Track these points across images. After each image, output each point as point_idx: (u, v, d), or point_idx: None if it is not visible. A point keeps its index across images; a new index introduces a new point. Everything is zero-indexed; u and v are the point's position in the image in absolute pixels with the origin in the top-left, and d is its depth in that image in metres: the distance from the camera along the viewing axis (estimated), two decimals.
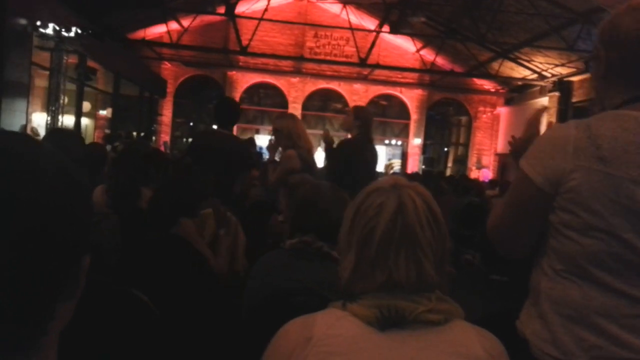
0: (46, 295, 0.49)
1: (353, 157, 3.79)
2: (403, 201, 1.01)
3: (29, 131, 8.07)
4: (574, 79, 12.64)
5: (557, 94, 13.11)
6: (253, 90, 16.62)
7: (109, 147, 8.44)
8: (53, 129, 6.23)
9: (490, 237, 1.35)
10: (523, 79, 14.27)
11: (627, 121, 1.17)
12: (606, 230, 1.14)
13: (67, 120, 9.94)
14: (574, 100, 12.71)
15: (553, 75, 13.17)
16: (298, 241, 1.61)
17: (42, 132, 8.84)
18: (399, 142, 17.29)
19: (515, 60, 13.43)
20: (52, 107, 8.48)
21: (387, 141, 17.46)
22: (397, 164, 16.95)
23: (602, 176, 1.15)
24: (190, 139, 12.68)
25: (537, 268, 1.27)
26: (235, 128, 15.96)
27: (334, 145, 3.99)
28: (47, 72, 8.64)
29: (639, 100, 1.21)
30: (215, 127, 3.88)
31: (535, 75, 13.73)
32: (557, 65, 12.63)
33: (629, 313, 1.14)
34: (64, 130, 3.74)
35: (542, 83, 13.73)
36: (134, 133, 11.68)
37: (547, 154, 1.20)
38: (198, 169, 2.45)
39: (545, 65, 12.96)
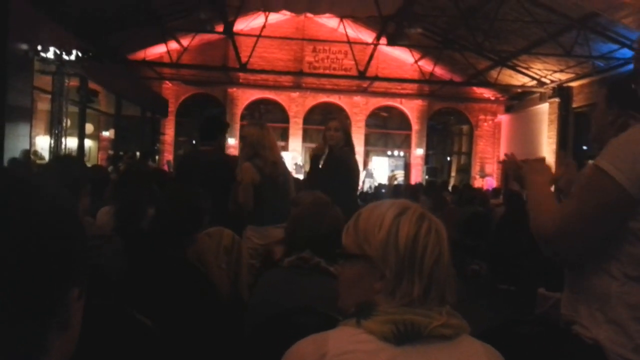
0: (34, 326, 0.49)
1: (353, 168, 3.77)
2: (438, 229, 1.03)
3: (32, 155, 8.12)
4: (573, 84, 12.67)
5: (557, 99, 13.14)
6: (254, 107, 16.71)
7: (111, 168, 8.49)
8: (56, 156, 6.29)
9: (557, 234, 1.27)
10: (522, 86, 14.31)
11: None
12: None
13: (70, 143, 10.01)
14: (574, 105, 12.72)
15: (552, 82, 13.20)
16: (295, 258, 1.61)
17: (46, 155, 8.90)
18: (402, 153, 17.31)
19: (513, 68, 13.48)
20: (55, 130, 8.54)
21: (389, 152, 17.49)
22: (400, 175, 16.95)
23: None
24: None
25: (603, 274, 1.24)
26: (236, 143, 15.87)
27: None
28: (49, 96, 8.71)
29: None
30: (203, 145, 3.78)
31: (534, 82, 13.77)
32: (555, 72, 12.67)
33: None
34: (66, 157, 3.76)
35: (541, 90, 13.76)
36: (137, 153, 11.74)
37: (635, 158, 1.17)
38: (190, 186, 2.43)
39: (544, 72, 13.01)
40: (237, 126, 15.76)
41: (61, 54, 7.76)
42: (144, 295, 1.65)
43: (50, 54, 7.69)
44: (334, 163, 3.68)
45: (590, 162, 1.35)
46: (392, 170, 17.34)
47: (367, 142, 16.98)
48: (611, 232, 1.23)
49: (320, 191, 2.12)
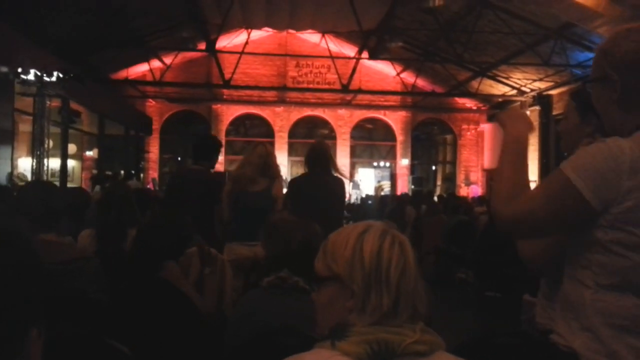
0: None
1: (298, 195, 3.68)
2: (401, 242, 1.05)
3: (15, 178, 8.02)
4: (553, 92, 12.91)
5: (537, 108, 13.37)
6: (239, 122, 16.73)
7: (97, 188, 8.41)
8: (32, 181, 6.22)
9: (513, 218, 1.28)
10: (503, 95, 14.55)
11: None
12: None
13: (53, 164, 9.92)
14: (554, 113, 12.95)
15: (532, 90, 13.44)
16: (274, 278, 1.62)
17: (29, 177, 8.80)
18: (387, 164, 17.42)
19: (494, 78, 13.71)
20: (37, 152, 8.46)
21: (375, 163, 17.60)
22: (386, 186, 17.05)
23: None
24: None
25: (576, 283, 1.26)
26: (222, 159, 15.90)
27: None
28: (31, 117, 8.65)
29: None
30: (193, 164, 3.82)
31: (514, 91, 14.01)
32: (535, 80, 12.90)
33: None
34: (42, 183, 3.73)
35: (522, 98, 13.99)
36: (122, 172, 11.66)
37: (601, 172, 1.18)
38: (175, 210, 2.44)
39: (524, 81, 13.25)
40: (222, 142, 15.74)
41: (42, 75, 7.72)
42: (125, 318, 1.64)
43: (30, 76, 7.65)
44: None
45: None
46: (379, 181, 17.44)
47: (353, 154, 17.07)
48: (563, 239, 1.25)
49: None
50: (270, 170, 3.57)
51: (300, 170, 5.16)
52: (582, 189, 1.19)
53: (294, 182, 3.91)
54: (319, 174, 3.62)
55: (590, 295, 1.22)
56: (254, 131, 16.81)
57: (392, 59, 13.85)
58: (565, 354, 1.24)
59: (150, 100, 15.77)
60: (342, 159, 15.74)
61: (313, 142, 4.21)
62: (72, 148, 11.20)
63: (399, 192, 14.99)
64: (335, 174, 3.69)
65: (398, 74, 15.19)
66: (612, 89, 1.27)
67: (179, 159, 16.83)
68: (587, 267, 1.23)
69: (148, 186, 13.57)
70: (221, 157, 15.19)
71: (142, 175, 14.96)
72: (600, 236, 1.20)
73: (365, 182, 16.65)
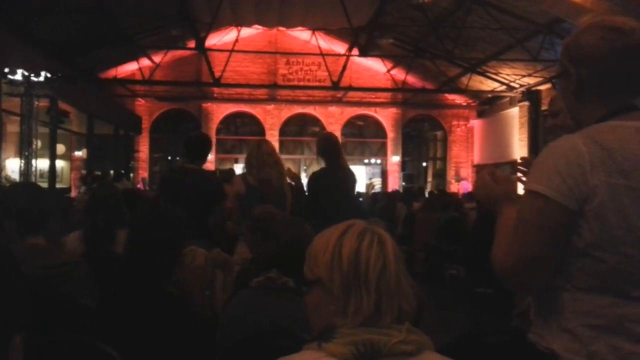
0: None
1: (319, 190, 3.75)
2: (381, 240, 1.04)
3: (3, 179, 7.94)
4: (542, 87, 12.98)
5: (526, 103, 13.45)
6: (229, 120, 16.66)
7: (83, 189, 8.35)
8: (18, 183, 6.15)
9: (510, 272, 1.21)
10: (492, 91, 14.62)
11: (628, 132, 1.18)
12: (635, 244, 1.13)
13: (42, 164, 9.82)
14: (543, 108, 13.03)
15: (521, 86, 13.51)
16: (264, 278, 1.61)
17: (17, 177, 8.72)
18: (378, 161, 17.45)
19: (483, 74, 13.76)
20: (26, 152, 8.38)
21: (366, 160, 17.61)
22: (377, 183, 17.07)
23: (626, 190, 1.13)
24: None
25: (554, 286, 1.23)
26: (213, 158, 15.87)
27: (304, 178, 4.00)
28: (19, 118, 8.56)
29: (624, 112, 1.23)
30: (187, 163, 3.81)
31: (504, 87, 14.08)
32: (524, 76, 12.97)
33: None
34: (30, 185, 3.69)
35: (511, 94, 14.07)
36: (112, 172, 11.57)
37: (565, 173, 1.15)
38: (169, 206, 2.41)
39: (513, 77, 13.31)
40: (212, 140, 15.69)
41: (29, 75, 7.65)
42: (115, 322, 1.63)
43: (18, 76, 7.57)
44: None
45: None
46: (370, 178, 17.46)
47: (344, 151, 17.05)
48: (562, 250, 1.19)
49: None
50: (279, 165, 3.65)
51: (292, 168, 5.20)
52: (557, 197, 1.16)
53: (315, 177, 3.94)
54: (337, 166, 3.73)
55: (568, 296, 1.21)
56: (244, 129, 16.75)
57: (383, 55, 13.86)
58: (544, 354, 1.23)
59: (140, 99, 15.65)
60: None
61: (324, 134, 4.29)
62: (60, 148, 11.10)
63: (389, 189, 15.04)
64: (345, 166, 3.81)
65: (388, 71, 15.20)
66: (570, 82, 1.28)
67: (169, 158, 16.74)
68: (564, 271, 1.21)
69: (138, 186, 13.50)
70: (212, 156, 15.22)
71: (132, 174, 14.86)
72: (574, 239, 1.18)
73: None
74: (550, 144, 1.24)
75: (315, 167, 4.64)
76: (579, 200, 1.15)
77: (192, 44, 12.63)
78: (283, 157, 16.43)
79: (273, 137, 16.22)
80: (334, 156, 3.82)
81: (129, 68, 14.14)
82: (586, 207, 1.14)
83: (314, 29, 13.09)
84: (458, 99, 16.81)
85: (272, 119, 16.38)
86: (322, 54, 12.84)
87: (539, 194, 1.18)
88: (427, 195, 10.80)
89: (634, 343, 1.15)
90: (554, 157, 1.20)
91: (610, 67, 1.22)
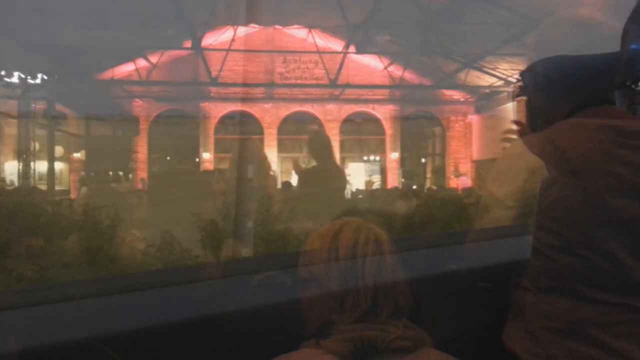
0: None
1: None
2: (373, 236, 1.05)
3: (0, 182, 7.93)
4: None
5: (524, 98, 13.43)
6: (227, 120, 16.65)
7: (84, 190, 8.34)
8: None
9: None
10: (490, 86, 14.62)
11: (585, 130, 1.18)
12: (587, 244, 1.12)
13: (40, 167, 9.82)
14: None
15: (519, 80, 13.50)
16: (264, 277, 1.61)
17: (15, 181, 8.71)
18: (377, 158, 17.46)
19: (480, 69, 13.77)
20: (24, 155, 8.39)
21: (365, 158, 17.62)
22: (377, 180, 17.08)
23: (576, 190, 1.13)
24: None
25: (518, 285, 1.25)
26: (212, 157, 15.79)
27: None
28: (16, 120, 8.56)
29: (585, 108, 1.22)
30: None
31: (501, 82, 14.08)
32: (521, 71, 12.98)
33: (620, 320, 1.12)
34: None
35: (509, 89, 14.07)
36: (110, 173, 11.57)
37: (515, 174, 1.19)
38: None
39: (510, 72, 13.31)
40: (211, 140, 15.70)
41: (26, 78, 7.64)
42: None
43: (14, 79, 7.57)
44: None
45: None
46: (370, 175, 17.46)
47: (343, 149, 17.07)
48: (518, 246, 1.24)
49: None
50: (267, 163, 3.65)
51: (289, 166, 5.23)
52: (508, 202, 1.20)
53: (308, 174, 3.93)
54: (329, 164, 3.71)
55: (530, 298, 1.21)
56: (243, 128, 16.72)
57: (380, 52, 13.86)
58: (509, 355, 1.23)
59: (137, 100, 15.64)
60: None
61: (316, 132, 4.28)
62: (59, 150, 11.08)
63: (389, 186, 15.05)
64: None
65: (385, 68, 15.20)
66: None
67: (168, 158, 16.73)
68: (525, 271, 1.22)
69: (137, 187, 13.50)
70: (210, 155, 15.23)
71: (130, 175, 14.85)
72: (532, 240, 1.19)
73: (355, 176, 16.66)
74: (511, 145, 1.28)
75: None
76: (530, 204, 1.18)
77: (188, 43, 12.63)
78: (281, 155, 16.54)
79: (271, 136, 16.23)
80: (325, 155, 3.79)
81: (126, 69, 14.12)
82: (538, 208, 1.16)
83: (310, 26, 13.09)
84: (456, 94, 16.82)
85: (270, 117, 16.38)
86: (319, 52, 12.84)
87: (494, 196, 1.25)
88: (426, 191, 10.79)
89: (592, 346, 1.13)
90: (510, 158, 1.26)
91: (575, 62, 1.22)
